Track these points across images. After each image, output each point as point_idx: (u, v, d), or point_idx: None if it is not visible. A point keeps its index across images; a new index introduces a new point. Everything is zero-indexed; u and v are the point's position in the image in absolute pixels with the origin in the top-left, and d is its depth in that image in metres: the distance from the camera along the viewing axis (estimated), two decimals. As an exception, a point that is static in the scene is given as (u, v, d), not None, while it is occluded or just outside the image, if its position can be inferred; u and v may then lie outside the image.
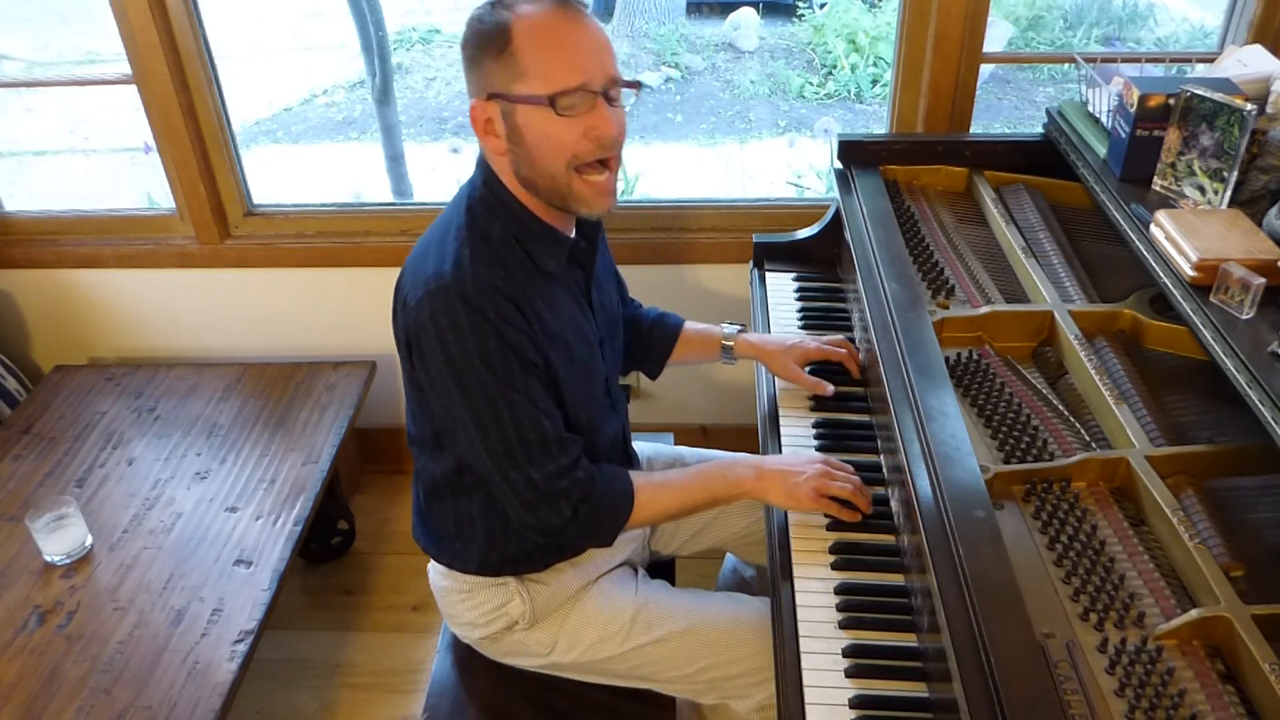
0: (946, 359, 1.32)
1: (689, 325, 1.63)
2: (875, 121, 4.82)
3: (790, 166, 4.09)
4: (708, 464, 1.37)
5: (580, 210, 1.24)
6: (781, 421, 1.51)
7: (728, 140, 4.67)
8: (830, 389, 1.52)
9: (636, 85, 1.23)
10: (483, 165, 1.27)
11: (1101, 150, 1.56)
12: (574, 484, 1.25)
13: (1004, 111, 4.88)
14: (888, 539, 1.29)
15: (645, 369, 1.64)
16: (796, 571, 1.26)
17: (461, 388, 1.20)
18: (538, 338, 1.23)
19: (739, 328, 1.61)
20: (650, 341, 1.61)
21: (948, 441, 1.15)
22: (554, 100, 1.15)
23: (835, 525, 1.32)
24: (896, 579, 1.24)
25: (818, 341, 1.57)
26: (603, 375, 1.37)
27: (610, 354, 1.41)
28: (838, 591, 1.23)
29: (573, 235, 1.32)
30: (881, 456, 1.41)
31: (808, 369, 1.56)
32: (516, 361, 1.20)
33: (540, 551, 1.39)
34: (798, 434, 1.49)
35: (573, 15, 1.17)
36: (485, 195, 1.25)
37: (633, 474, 1.34)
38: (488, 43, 1.16)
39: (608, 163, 1.22)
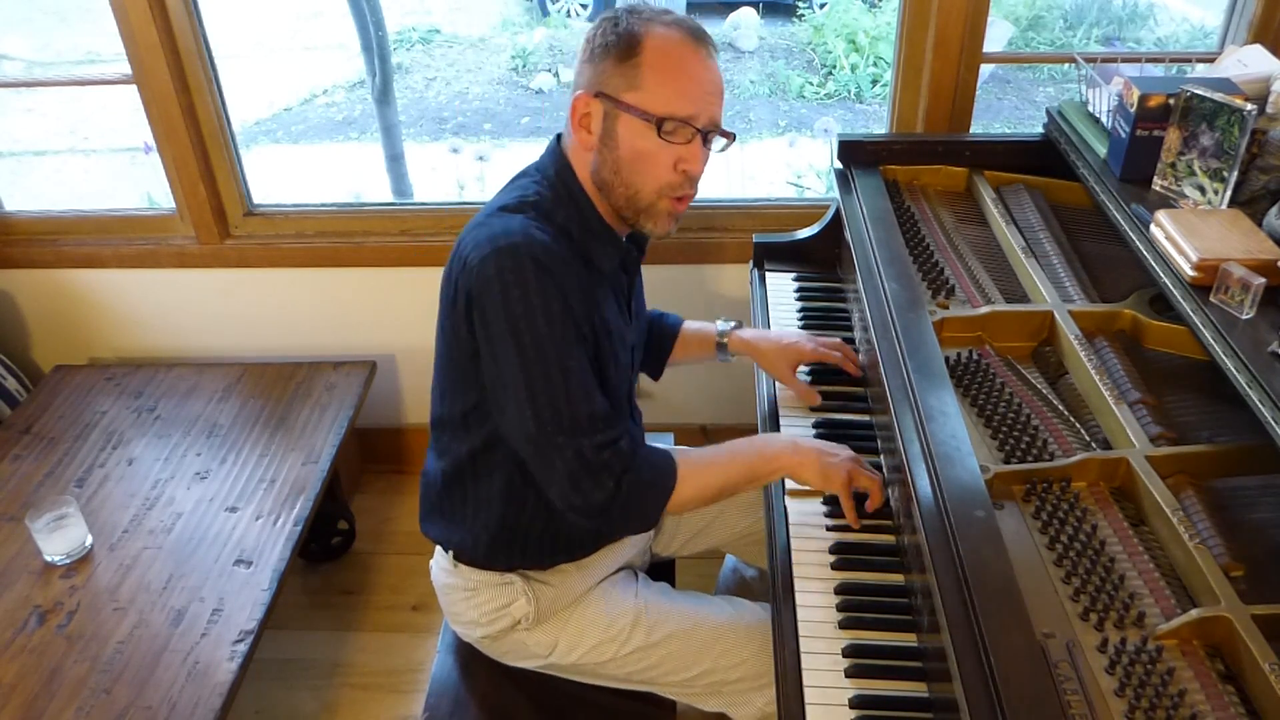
0: (946, 359, 1.32)
1: (687, 325, 1.63)
2: (875, 121, 4.81)
3: (790, 166, 4.09)
4: (740, 441, 1.35)
5: (645, 227, 1.28)
6: (781, 422, 1.51)
7: (728, 140, 4.65)
8: (819, 400, 1.53)
9: (731, 136, 1.27)
10: (557, 156, 1.29)
11: (1101, 150, 1.56)
12: (618, 455, 1.23)
13: (1004, 111, 4.88)
14: (888, 539, 1.29)
15: (647, 370, 1.64)
16: (796, 571, 1.26)
17: (519, 347, 1.19)
18: (594, 316, 1.24)
19: (734, 324, 1.61)
20: (650, 342, 1.61)
21: (948, 441, 1.15)
22: (661, 123, 1.19)
23: (836, 526, 1.32)
24: (897, 579, 1.24)
25: (814, 343, 1.57)
26: (627, 379, 1.38)
27: (636, 362, 1.43)
28: (838, 591, 1.23)
29: (625, 242, 1.34)
30: (881, 456, 1.41)
31: (805, 371, 1.56)
32: (574, 330, 1.21)
33: (550, 546, 1.38)
34: (798, 434, 1.49)
35: (704, 51, 1.21)
36: (557, 185, 1.27)
37: (670, 449, 1.34)
38: (616, 44, 1.19)
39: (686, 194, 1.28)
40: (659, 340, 1.62)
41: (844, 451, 1.33)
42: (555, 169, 1.28)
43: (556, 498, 1.26)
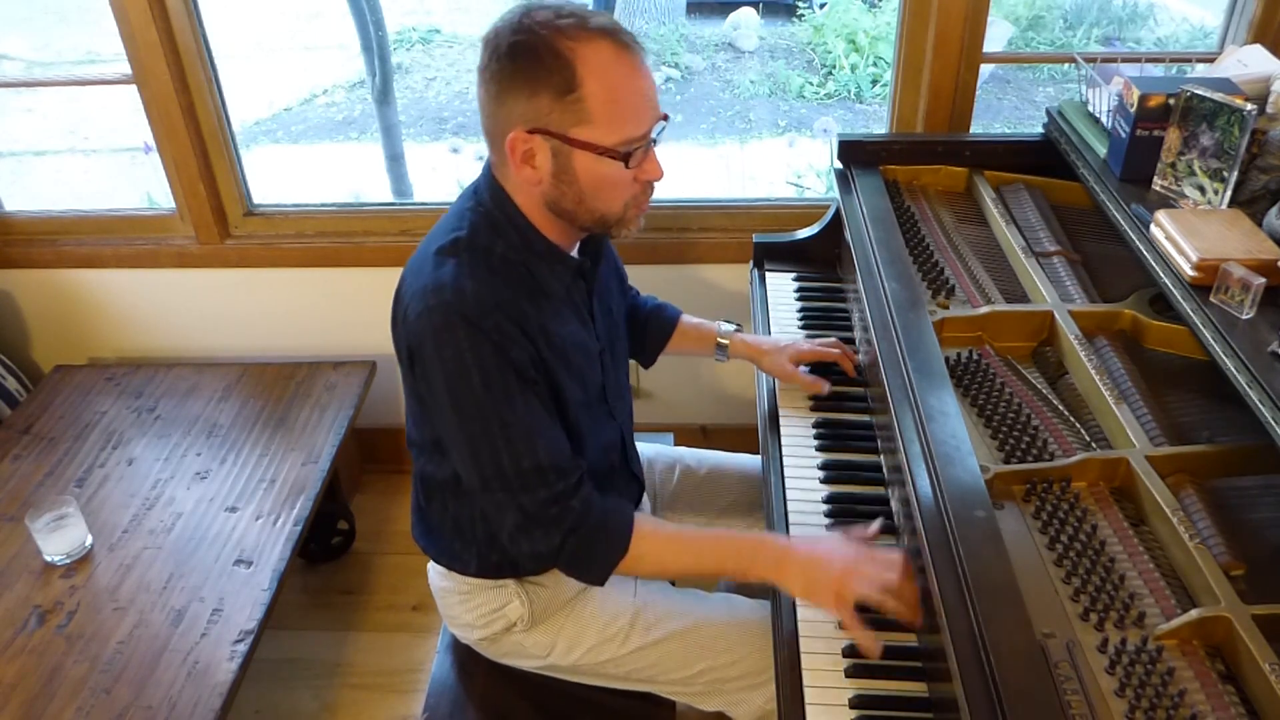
0: (946, 359, 1.32)
1: (685, 319, 1.63)
2: (875, 121, 4.81)
3: (790, 166, 4.09)
4: (732, 537, 1.29)
5: (620, 235, 1.24)
6: (781, 422, 1.51)
7: (728, 140, 4.66)
8: (827, 387, 1.53)
9: (665, 117, 1.21)
10: (491, 182, 1.24)
11: (1101, 150, 1.56)
12: (565, 512, 1.21)
13: (1004, 111, 4.87)
14: (888, 539, 1.29)
15: (639, 358, 1.64)
16: (796, 571, 1.26)
17: (457, 408, 1.18)
18: (541, 354, 1.20)
19: (735, 327, 1.62)
20: (646, 332, 1.61)
21: (948, 441, 1.15)
22: (628, 156, 1.14)
23: (835, 525, 1.32)
24: (896, 579, 1.24)
25: (811, 343, 1.57)
26: (599, 384, 1.35)
27: (610, 362, 1.39)
28: (838, 591, 1.23)
29: (576, 255, 1.30)
30: (881, 456, 1.41)
31: (803, 369, 1.57)
32: (516, 380, 1.17)
33: None
34: (798, 434, 1.49)
35: (634, 56, 1.13)
36: (492, 213, 1.22)
37: (642, 519, 1.27)
38: (546, 77, 1.10)
39: None
40: (656, 332, 1.62)
41: (837, 561, 1.16)
42: (490, 194, 1.22)
43: (506, 543, 1.26)
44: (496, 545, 1.36)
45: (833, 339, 1.60)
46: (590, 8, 1.19)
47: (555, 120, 1.12)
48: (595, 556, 1.26)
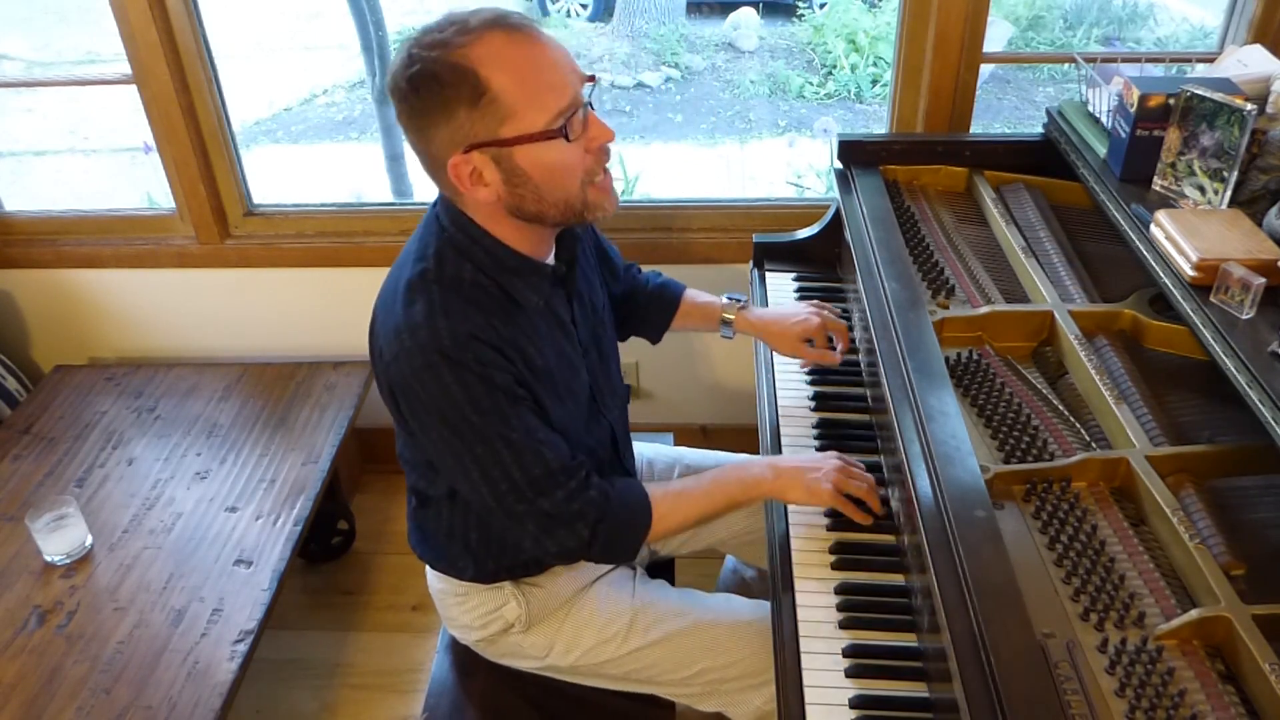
0: (946, 359, 1.32)
1: (689, 295, 1.62)
2: (875, 121, 4.82)
3: (790, 166, 4.09)
4: (722, 468, 1.34)
5: (594, 217, 1.22)
6: (782, 421, 1.52)
7: (728, 140, 4.66)
8: (838, 360, 1.53)
9: (592, 79, 1.17)
10: (447, 207, 1.22)
11: (1101, 150, 1.56)
12: (588, 504, 1.22)
13: (1004, 111, 4.88)
14: (888, 539, 1.29)
15: (645, 335, 1.63)
16: (797, 571, 1.26)
17: (457, 435, 1.18)
18: (522, 374, 1.20)
19: (741, 304, 1.59)
20: (649, 310, 1.61)
21: (948, 441, 1.15)
22: (565, 130, 1.11)
23: (836, 525, 1.32)
24: (897, 579, 1.24)
25: (820, 317, 1.54)
26: (586, 385, 1.34)
27: (598, 360, 1.38)
28: (838, 591, 1.23)
29: (551, 261, 1.29)
30: (881, 456, 1.41)
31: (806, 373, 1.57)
32: (507, 400, 1.17)
33: (537, 559, 1.38)
34: (798, 434, 1.49)
35: (528, 34, 1.10)
36: (455, 237, 1.20)
37: (648, 486, 1.32)
38: (454, 95, 1.08)
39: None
40: (660, 310, 1.61)
41: (827, 463, 1.30)
42: (449, 218, 1.21)
43: (531, 550, 1.26)
44: (493, 551, 1.36)
45: (842, 324, 1.56)
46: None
47: (481, 130, 1.10)
48: (626, 536, 1.28)
